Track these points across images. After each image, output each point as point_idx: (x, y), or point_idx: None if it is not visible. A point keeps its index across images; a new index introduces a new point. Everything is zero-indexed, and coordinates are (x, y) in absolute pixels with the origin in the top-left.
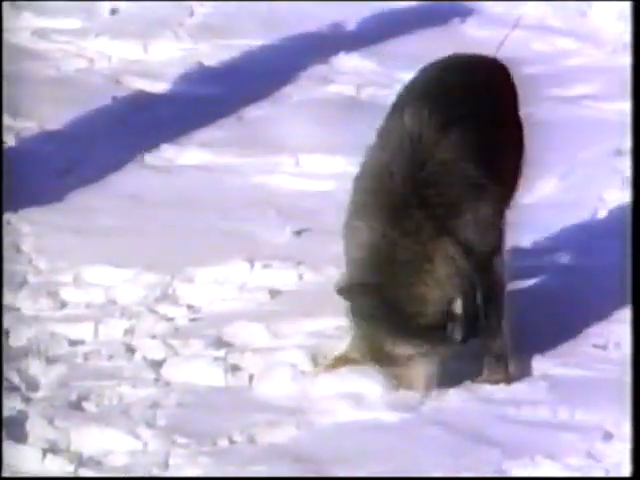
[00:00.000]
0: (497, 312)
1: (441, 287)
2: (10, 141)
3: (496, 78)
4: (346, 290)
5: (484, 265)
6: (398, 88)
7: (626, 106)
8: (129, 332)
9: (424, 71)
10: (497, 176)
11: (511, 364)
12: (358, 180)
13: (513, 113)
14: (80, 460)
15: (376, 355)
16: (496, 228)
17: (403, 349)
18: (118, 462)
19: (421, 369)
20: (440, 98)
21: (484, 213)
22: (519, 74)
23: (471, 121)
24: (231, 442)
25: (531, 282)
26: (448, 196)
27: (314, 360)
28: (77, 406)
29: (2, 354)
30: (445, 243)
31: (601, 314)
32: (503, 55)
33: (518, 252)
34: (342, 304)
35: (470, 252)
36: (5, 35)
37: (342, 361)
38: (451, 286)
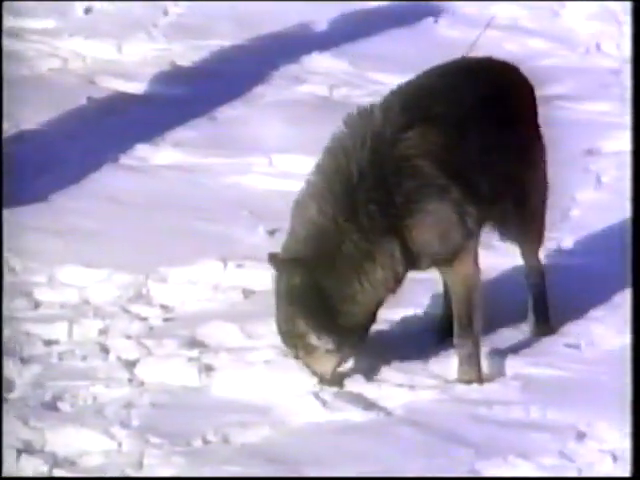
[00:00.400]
0: (468, 312)
1: (375, 290)
2: None
3: (493, 82)
4: (280, 260)
5: (449, 266)
6: (371, 88)
7: (598, 107)
8: (103, 332)
9: (420, 74)
10: (461, 178)
11: (483, 364)
12: (319, 162)
13: (509, 118)
14: (55, 460)
15: (292, 338)
16: (460, 229)
17: (321, 342)
18: (92, 462)
19: (331, 363)
20: (413, 99)
21: (444, 214)
22: None
23: (440, 124)
24: (205, 442)
25: (503, 282)
26: (404, 193)
27: (287, 360)
28: (52, 406)
29: (2, 353)
30: (391, 244)
31: (574, 313)
32: (475, 55)
33: (490, 252)
34: None
35: (424, 253)
36: None
37: None
38: (385, 289)
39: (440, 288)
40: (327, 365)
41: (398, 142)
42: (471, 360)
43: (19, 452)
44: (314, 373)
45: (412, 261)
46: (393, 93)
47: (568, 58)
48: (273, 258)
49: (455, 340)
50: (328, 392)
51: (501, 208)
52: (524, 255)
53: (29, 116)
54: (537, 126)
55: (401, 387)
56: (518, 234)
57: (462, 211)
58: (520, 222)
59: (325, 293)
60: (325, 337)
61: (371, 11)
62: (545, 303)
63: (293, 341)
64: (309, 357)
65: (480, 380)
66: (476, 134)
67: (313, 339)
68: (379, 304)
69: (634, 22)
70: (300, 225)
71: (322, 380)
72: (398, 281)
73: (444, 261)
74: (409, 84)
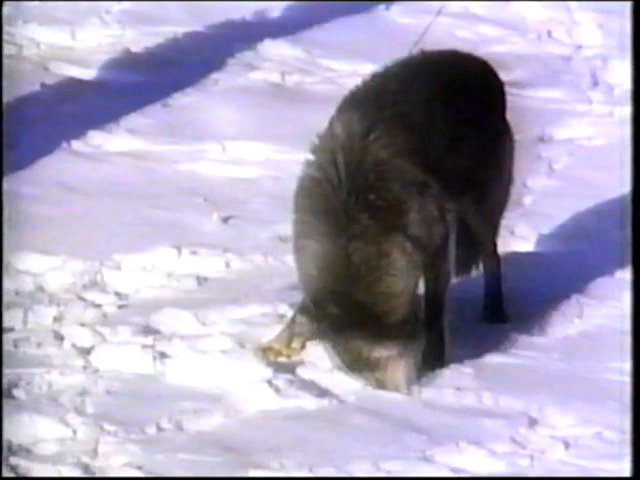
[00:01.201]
0: (439, 306)
1: (403, 278)
2: None
3: (457, 75)
4: (310, 307)
5: (431, 261)
6: (324, 75)
7: (549, 93)
8: (58, 319)
9: (380, 71)
10: (440, 174)
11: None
12: (297, 198)
13: (475, 112)
14: (10, 448)
15: (355, 363)
16: (441, 225)
17: (380, 351)
18: (48, 450)
19: (401, 368)
20: (371, 101)
21: (429, 211)
22: None
23: (404, 121)
24: (159, 430)
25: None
26: (389, 196)
27: (241, 347)
28: (7, 394)
29: (2, 352)
30: (398, 238)
31: (526, 300)
32: (427, 42)
33: None
34: (270, 292)
35: (418, 249)
36: None
37: (269, 351)
38: (412, 277)
39: None
40: (397, 373)
41: (368, 147)
42: (434, 351)
43: None
44: (394, 388)
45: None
46: (351, 96)
47: (519, 45)
48: (305, 309)
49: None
50: (281, 379)
51: (460, 203)
52: (481, 245)
53: None
54: (505, 120)
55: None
56: (477, 226)
57: (442, 207)
58: (480, 216)
59: (364, 308)
60: (381, 344)
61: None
62: (500, 291)
63: (363, 366)
64: (381, 372)
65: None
66: (440, 130)
67: (375, 352)
68: (410, 292)
69: (634, 22)
70: (308, 266)
71: (400, 389)
72: (417, 268)
73: (428, 257)
74: (369, 83)
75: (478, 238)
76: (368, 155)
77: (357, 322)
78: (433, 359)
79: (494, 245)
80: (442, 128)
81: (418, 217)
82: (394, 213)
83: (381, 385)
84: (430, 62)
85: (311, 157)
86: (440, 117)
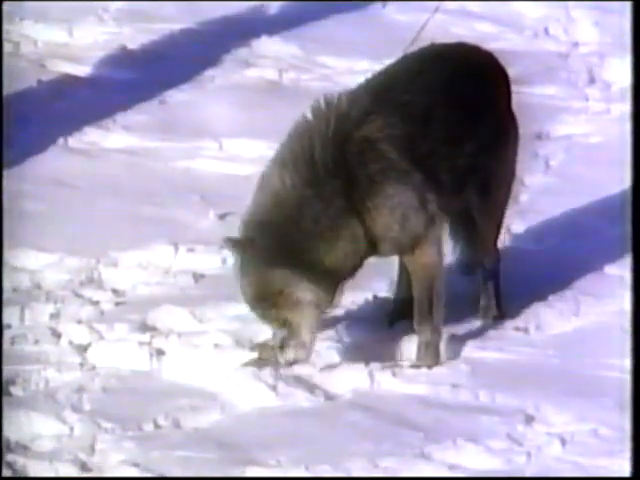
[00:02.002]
0: (429, 300)
1: (336, 262)
2: None
3: (463, 68)
4: (251, 226)
5: (411, 253)
6: (320, 72)
7: (546, 90)
8: (55, 316)
9: (391, 63)
10: (424, 165)
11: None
12: (283, 142)
13: (480, 105)
14: (7, 445)
15: (269, 297)
16: (420, 215)
17: (304, 294)
18: (45, 447)
19: (312, 318)
20: (380, 86)
21: (404, 198)
22: None
23: (404, 110)
24: (156, 426)
25: (453, 266)
26: (367, 175)
27: (238, 344)
28: (4, 391)
29: (2, 352)
30: (353, 222)
31: (522, 297)
32: (423, 39)
33: None
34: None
35: (385, 237)
36: None
37: (264, 347)
38: (345, 265)
39: (390, 271)
40: (308, 316)
41: (362, 124)
42: (428, 347)
43: None
44: (296, 333)
45: (373, 244)
46: (362, 83)
47: (515, 41)
48: (246, 226)
49: (415, 326)
50: (277, 376)
51: (464, 198)
52: (482, 241)
53: None
54: (510, 113)
55: (350, 371)
56: (479, 222)
57: (423, 197)
58: (482, 212)
59: (295, 253)
60: (306, 285)
61: None
62: (497, 288)
63: (270, 302)
64: (291, 312)
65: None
66: (442, 122)
67: (295, 289)
68: (339, 277)
69: (634, 22)
70: (262, 194)
71: (302, 336)
72: (358, 260)
73: (406, 248)
74: (379, 73)
75: (481, 235)
76: (360, 131)
77: (287, 258)
78: (425, 359)
79: (495, 243)
80: (444, 119)
81: (390, 203)
82: (365, 193)
83: (285, 327)
84: (437, 54)
85: (308, 113)
86: (443, 108)
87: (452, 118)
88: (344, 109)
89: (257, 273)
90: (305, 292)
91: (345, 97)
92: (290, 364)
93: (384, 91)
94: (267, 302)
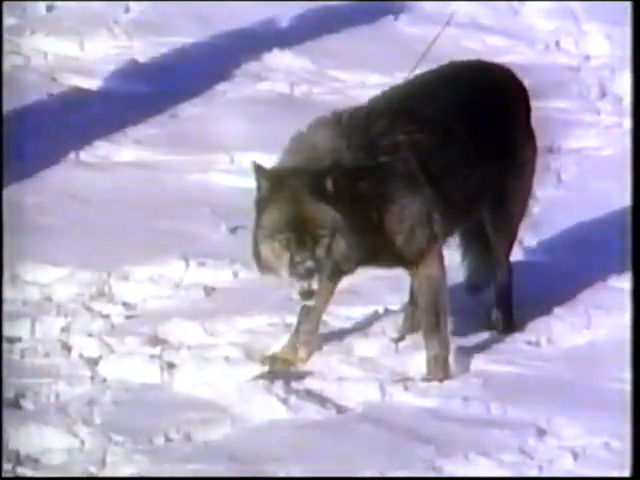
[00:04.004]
0: (435, 313)
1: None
2: None
3: (482, 85)
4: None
5: (415, 267)
6: (332, 86)
7: (557, 104)
8: (65, 330)
9: (410, 79)
10: (438, 184)
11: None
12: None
13: (498, 121)
14: (18, 458)
15: (307, 227)
16: (425, 231)
17: (340, 239)
18: (55, 460)
19: (332, 263)
20: (400, 102)
21: (414, 211)
22: None
23: (425, 124)
24: (167, 440)
25: (463, 280)
26: (387, 177)
27: (248, 357)
28: (14, 404)
29: (2, 355)
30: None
31: (534, 311)
32: (435, 52)
33: (450, 250)
34: (277, 302)
35: (387, 245)
36: None
37: (275, 360)
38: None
39: (401, 285)
40: (332, 260)
41: (389, 132)
42: (437, 360)
43: None
44: (319, 267)
45: (374, 249)
46: (379, 95)
47: (527, 55)
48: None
49: (424, 341)
50: (288, 389)
51: (477, 213)
52: (495, 255)
53: None
54: (529, 129)
55: (361, 384)
56: (492, 236)
57: (430, 214)
58: (496, 226)
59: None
60: (343, 233)
61: (332, 9)
62: (510, 301)
63: (307, 232)
64: (324, 250)
65: (446, 378)
66: (460, 140)
67: (335, 230)
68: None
69: (634, 22)
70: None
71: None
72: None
73: (409, 261)
74: (398, 87)
75: (494, 250)
76: (387, 137)
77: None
78: (436, 372)
79: (508, 257)
80: (462, 135)
81: (400, 212)
82: (383, 200)
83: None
84: (456, 71)
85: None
86: (462, 125)
87: (470, 134)
88: (366, 120)
89: (298, 202)
90: (340, 239)
91: (364, 112)
92: (304, 295)
93: (405, 107)
94: (303, 230)
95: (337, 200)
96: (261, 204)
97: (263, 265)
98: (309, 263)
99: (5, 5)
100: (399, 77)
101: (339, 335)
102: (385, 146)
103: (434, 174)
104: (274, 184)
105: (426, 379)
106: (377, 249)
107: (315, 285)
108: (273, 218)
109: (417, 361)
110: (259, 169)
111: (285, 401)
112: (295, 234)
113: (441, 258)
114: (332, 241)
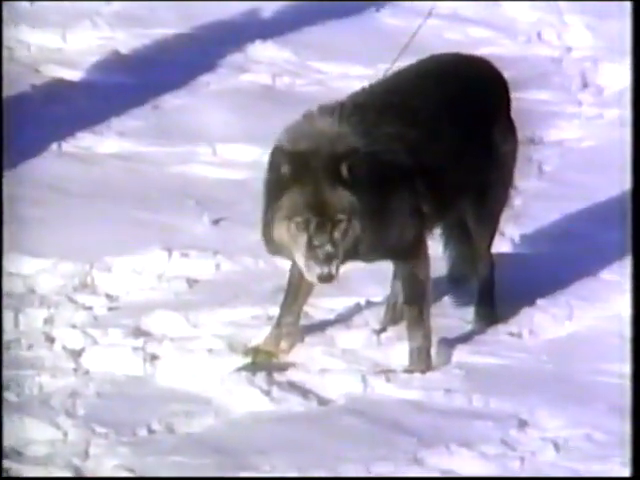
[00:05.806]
0: (420, 305)
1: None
2: None
3: (463, 78)
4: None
5: (403, 260)
6: (314, 77)
7: (539, 95)
8: (48, 321)
9: (392, 74)
10: (427, 177)
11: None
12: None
13: (479, 113)
14: (1, 450)
15: (330, 211)
16: (415, 224)
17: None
18: (39, 452)
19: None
20: (385, 97)
21: (405, 205)
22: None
23: (412, 117)
24: (150, 431)
25: (445, 272)
26: (384, 171)
27: (231, 349)
28: None
29: (2, 356)
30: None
31: (516, 302)
32: (417, 44)
33: (434, 241)
34: (260, 294)
35: (377, 239)
36: None
37: (258, 352)
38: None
39: (383, 277)
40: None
41: (379, 124)
42: (420, 352)
43: None
44: (336, 252)
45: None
46: (364, 89)
47: (509, 47)
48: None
49: (407, 332)
50: (271, 381)
51: (459, 208)
52: (477, 247)
53: None
54: (510, 121)
55: (343, 376)
56: (474, 228)
57: (420, 208)
58: (478, 218)
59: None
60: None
61: (314, 1)
62: (492, 293)
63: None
64: (344, 236)
65: (427, 370)
66: (445, 133)
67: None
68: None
69: (634, 22)
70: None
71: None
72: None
73: (398, 254)
74: (380, 83)
75: (476, 242)
76: (379, 128)
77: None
78: (418, 363)
79: (489, 249)
80: (446, 128)
81: (390, 209)
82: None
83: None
84: (437, 64)
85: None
86: (445, 117)
87: (453, 127)
88: (358, 110)
89: (319, 185)
90: (356, 225)
91: (353, 101)
92: (323, 280)
93: (391, 97)
94: (324, 213)
95: (354, 185)
96: (280, 185)
97: (276, 246)
98: (328, 247)
99: None
100: (381, 69)
101: (321, 327)
102: (379, 136)
103: (422, 166)
104: (297, 166)
105: (408, 370)
106: (379, 238)
107: (334, 270)
108: (294, 199)
109: (399, 353)
110: (279, 150)
111: (268, 393)
112: (316, 217)
113: (426, 251)
114: (349, 226)
